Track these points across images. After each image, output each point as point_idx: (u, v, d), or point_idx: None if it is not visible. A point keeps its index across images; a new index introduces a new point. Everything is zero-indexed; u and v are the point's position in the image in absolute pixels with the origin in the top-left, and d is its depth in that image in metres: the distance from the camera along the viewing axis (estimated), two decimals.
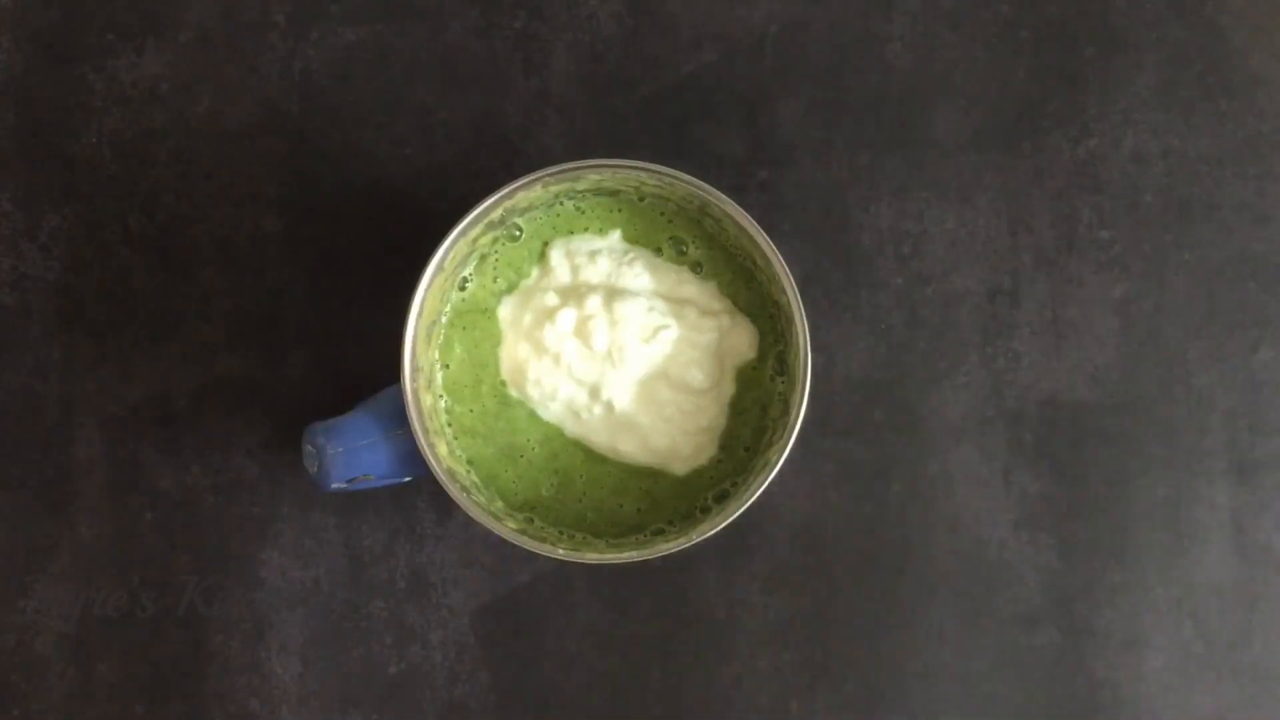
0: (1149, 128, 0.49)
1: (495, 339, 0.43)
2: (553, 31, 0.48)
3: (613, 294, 0.42)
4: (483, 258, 0.43)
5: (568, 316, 0.41)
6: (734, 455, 0.43)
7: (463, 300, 0.43)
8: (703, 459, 0.43)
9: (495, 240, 0.43)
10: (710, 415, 0.43)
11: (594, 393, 0.42)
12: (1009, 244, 0.49)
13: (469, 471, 0.43)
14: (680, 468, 0.43)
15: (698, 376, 0.42)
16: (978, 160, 0.49)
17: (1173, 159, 0.49)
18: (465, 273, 0.43)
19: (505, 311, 0.43)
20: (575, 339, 0.42)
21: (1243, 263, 0.49)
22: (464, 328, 0.43)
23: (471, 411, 0.43)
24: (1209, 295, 0.49)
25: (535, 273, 0.43)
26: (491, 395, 0.43)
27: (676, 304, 0.42)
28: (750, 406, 0.43)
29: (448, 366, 0.43)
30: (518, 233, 0.43)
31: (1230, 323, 0.49)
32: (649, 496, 0.43)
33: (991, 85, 0.49)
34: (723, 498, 0.42)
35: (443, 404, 0.43)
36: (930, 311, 0.49)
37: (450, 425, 0.43)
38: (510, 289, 0.43)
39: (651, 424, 0.42)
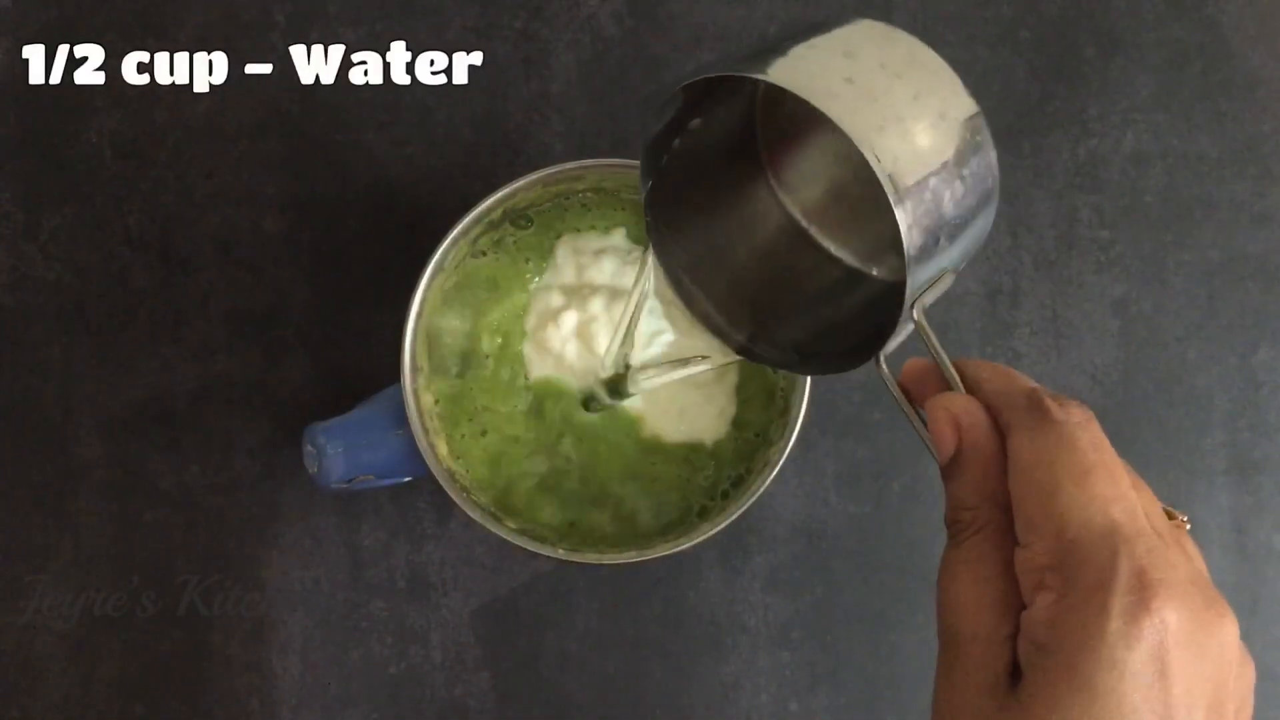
0: (1149, 128, 0.49)
1: None
2: (553, 31, 0.48)
3: (615, 296, 0.42)
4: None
5: (570, 318, 0.41)
6: (745, 439, 0.43)
7: None
8: (721, 433, 0.43)
9: (495, 240, 0.43)
10: (719, 404, 0.42)
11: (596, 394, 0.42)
12: (1009, 244, 0.49)
13: (469, 471, 0.42)
14: (708, 437, 0.43)
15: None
16: None
17: (1173, 159, 0.49)
18: None
19: None
20: (577, 340, 0.41)
21: (1242, 263, 0.49)
22: None
23: None
24: (1208, 295, 0.49)
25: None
26: None
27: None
28: (756, 394, 0.43)
29: None
30: (518, 233, 0.43)
31: (1230, 323, 0.49)
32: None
33: (992, 85, 0.49)
34: (723, 498, 0.42)
35: None
36: (930, 311, 0.48)
37: None
38: None
39: (658, 417, 0.42)
